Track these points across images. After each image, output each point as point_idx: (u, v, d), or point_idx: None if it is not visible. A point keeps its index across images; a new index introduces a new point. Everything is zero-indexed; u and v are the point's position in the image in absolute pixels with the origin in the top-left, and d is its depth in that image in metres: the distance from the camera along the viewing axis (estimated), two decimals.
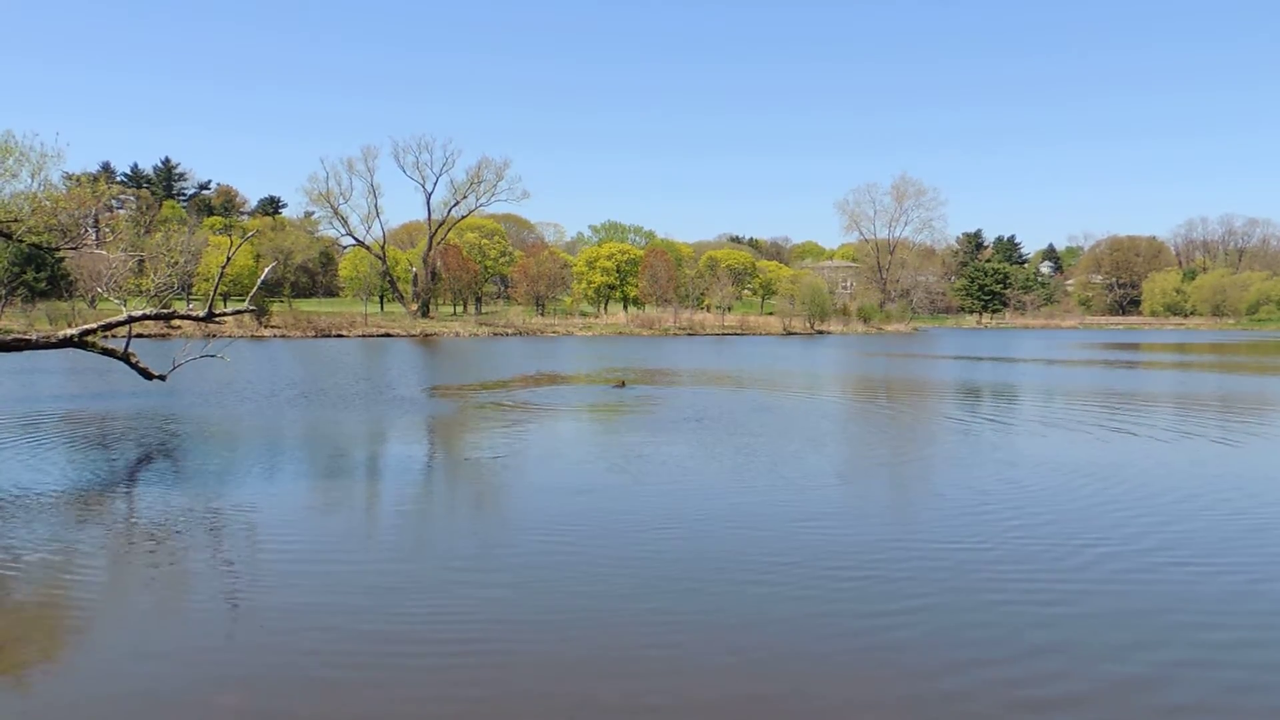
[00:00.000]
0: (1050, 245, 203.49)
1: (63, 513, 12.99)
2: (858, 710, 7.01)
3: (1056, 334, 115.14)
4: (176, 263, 25.81)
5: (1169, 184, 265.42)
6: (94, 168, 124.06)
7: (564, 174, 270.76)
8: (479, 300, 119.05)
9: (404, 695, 7.11)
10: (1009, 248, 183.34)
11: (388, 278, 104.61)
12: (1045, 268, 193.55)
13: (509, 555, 11.02)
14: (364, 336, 79.39)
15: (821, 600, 9.49)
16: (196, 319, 22.20)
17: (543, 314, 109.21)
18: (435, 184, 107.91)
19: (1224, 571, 10.64)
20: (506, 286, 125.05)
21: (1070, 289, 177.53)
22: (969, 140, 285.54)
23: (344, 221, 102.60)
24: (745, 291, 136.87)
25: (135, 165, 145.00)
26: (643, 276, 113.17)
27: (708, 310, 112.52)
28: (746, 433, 21.65)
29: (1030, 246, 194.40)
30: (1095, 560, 11.00)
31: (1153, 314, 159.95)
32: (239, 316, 68.69)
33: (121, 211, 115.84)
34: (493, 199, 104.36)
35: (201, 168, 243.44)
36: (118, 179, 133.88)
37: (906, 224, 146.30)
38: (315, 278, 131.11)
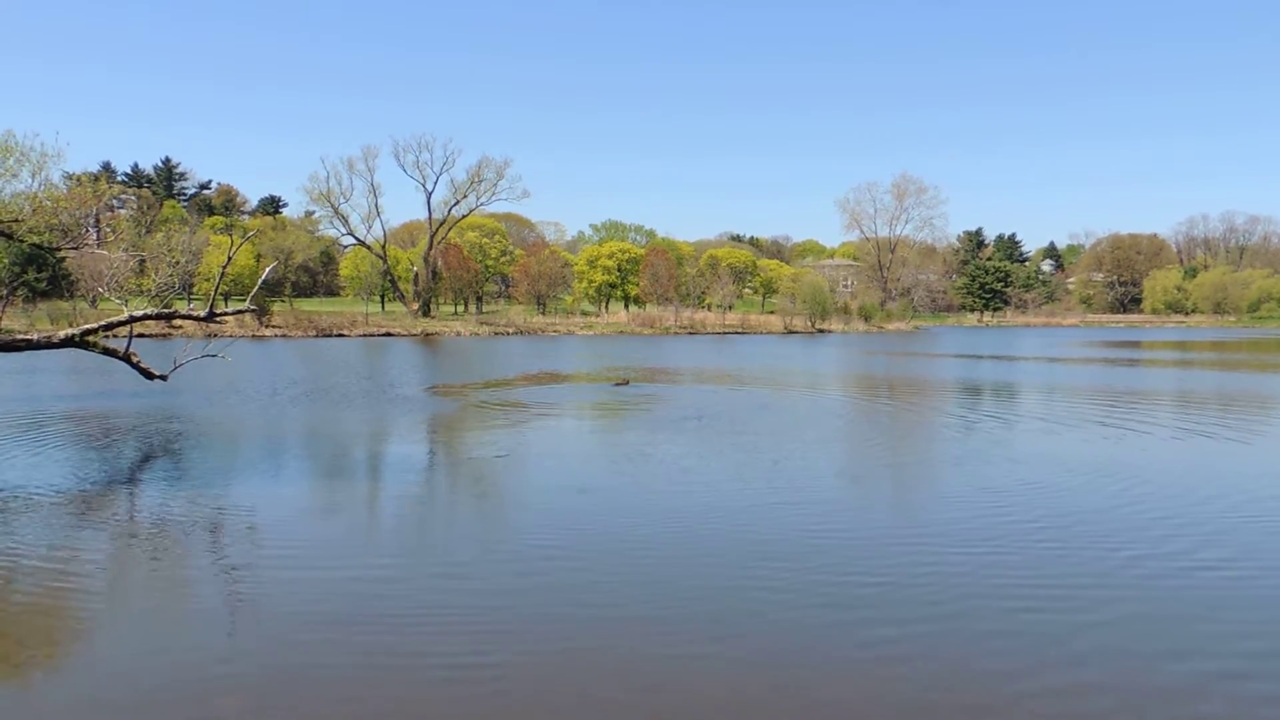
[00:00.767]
0: (1051, 243, 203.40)
1: (65, 513, 12.98)
2: None
3: (1057, 332, 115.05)
4: (177, 262, 25.80)
5: (1170, 182, 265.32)
6: (95, 167, 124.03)
7: (564, 173, 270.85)
8: (480, 299, 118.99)
9: (406, 695, 7.09)
10: (1010, 246, 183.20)
11: (388, 277, 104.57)
12: (1046, 266, 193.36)
13: (511, 555, 11.01)
14: (365, 336, 79.37)
15: (833, 606, 9.37)
16: (198, 319, 22.19)
17: (544, 313, 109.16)
18: (436, 183, 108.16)
19: (1253, 576, 10.37)
20: (507, 286, 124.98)
21: (1071, 287, 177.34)
22: (970, 138, 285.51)
23: (345, 221, 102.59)
24: (746, 290, 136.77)
25: (136, 165, 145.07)
26: (643, 275, 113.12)
27: (709, 309, 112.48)
28: (748, 432, 21.62)
29: (1031, 245, 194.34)
30: (1121, 565, 10.70)
31: (1154, 312, 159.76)
32: (240, 316, 68.70)
33: (122, 211, 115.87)
34: (493, 198, 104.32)
35: (202, 167, 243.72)
36: (118, 179, 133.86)
37: (907, 222, 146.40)
38: (316, 277, 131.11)
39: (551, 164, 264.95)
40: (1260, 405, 29.27)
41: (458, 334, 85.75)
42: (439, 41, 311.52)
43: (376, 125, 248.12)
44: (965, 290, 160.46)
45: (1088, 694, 7.20)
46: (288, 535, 11.92)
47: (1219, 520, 12.99)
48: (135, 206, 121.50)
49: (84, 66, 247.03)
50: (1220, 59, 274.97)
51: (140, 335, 23.00)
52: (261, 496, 14.21)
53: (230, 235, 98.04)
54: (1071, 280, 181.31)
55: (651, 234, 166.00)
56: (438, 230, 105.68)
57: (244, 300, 78.30)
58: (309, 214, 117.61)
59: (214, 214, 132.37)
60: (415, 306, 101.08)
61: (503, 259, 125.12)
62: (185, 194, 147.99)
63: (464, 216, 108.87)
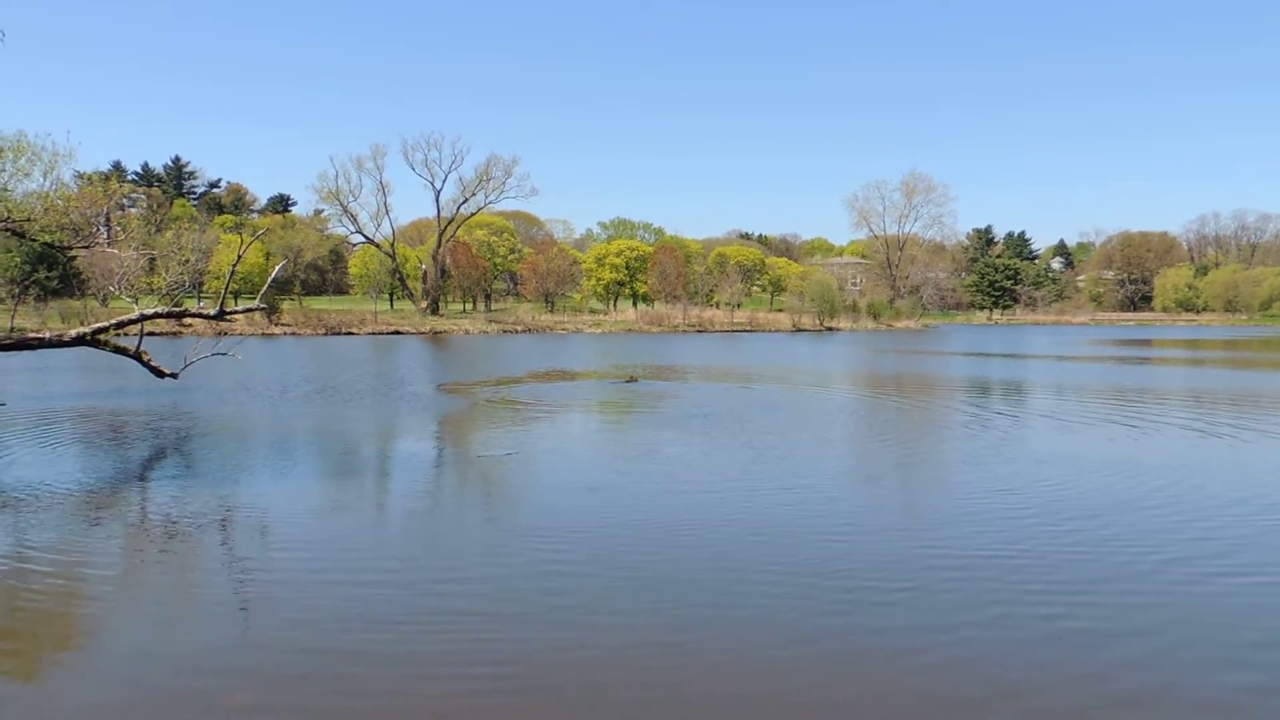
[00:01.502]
0: (1061, 241, 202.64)
1: (76, 510, 13.04)
2: None
3: (1068, 330, 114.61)
4: (187, 261, 25.90)
5: (1181, 179, 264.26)
6: (105, 166, 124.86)
7: (573, 171, 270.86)
8: (488, 297, 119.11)
9: (415, 692, 7.10)
10: (1019, 244, 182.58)
11: (397, 275, 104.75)
12: (1056, 264, 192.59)
13: (520, 553, 11.02)
14: (374, 334, 79.52)
15: (850, 607, 9.32)
16: (208, 317, 22.27)
17: (552, 311, 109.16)
18: (444, 181, 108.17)
19: None
20: (516, 284, 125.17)
21: (1081, 285, 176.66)
22: (979, 136, 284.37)
23: (353, 219, 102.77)
24: (754, 288, 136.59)
25: (146, 164, 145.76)
26: (652, 273, 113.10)
27: (717, 307, 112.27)
28: (758, 430, 21.60)
29: (1041, 242, 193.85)
30: (1153, 569, 10.43)
31: (1164, 310, 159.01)
32: (250, 314, 68.90)
33: (133, 210, 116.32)
34: (501, 196, 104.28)
35: (212, 166, 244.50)
36: (129, 178, 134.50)
37: (916, 220, 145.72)
38: (325, 276, 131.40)
39: (560, 162, 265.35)
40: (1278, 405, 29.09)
41: (466, 332, 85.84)
42: (447, 40, 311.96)
43: (385, 124, 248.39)
44: (974, 288, 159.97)
45: (1131, 706, 6.97)
46: (297, 533, 11.96)
47: (1252, 522, 12.67)
48: (145, 205, 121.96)
49: (95, 65, 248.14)
50: (1231, 56, 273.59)
51: (151, 334, 23.12)
52: (271, 494, 14.25)
53: (240, 234, 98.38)
54: (1081, 278, 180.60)
55: (660, 232, 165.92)
56: (446, 228, 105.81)
57: (253, 298, 78.51)
58: (318, 212, 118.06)
59: (223, 212, 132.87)
60: (424, 305, 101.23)
61: (511, 257, 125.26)
62: (195, 193, 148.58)
63: (472, 215, 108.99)
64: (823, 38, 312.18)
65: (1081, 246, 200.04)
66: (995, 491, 14.72)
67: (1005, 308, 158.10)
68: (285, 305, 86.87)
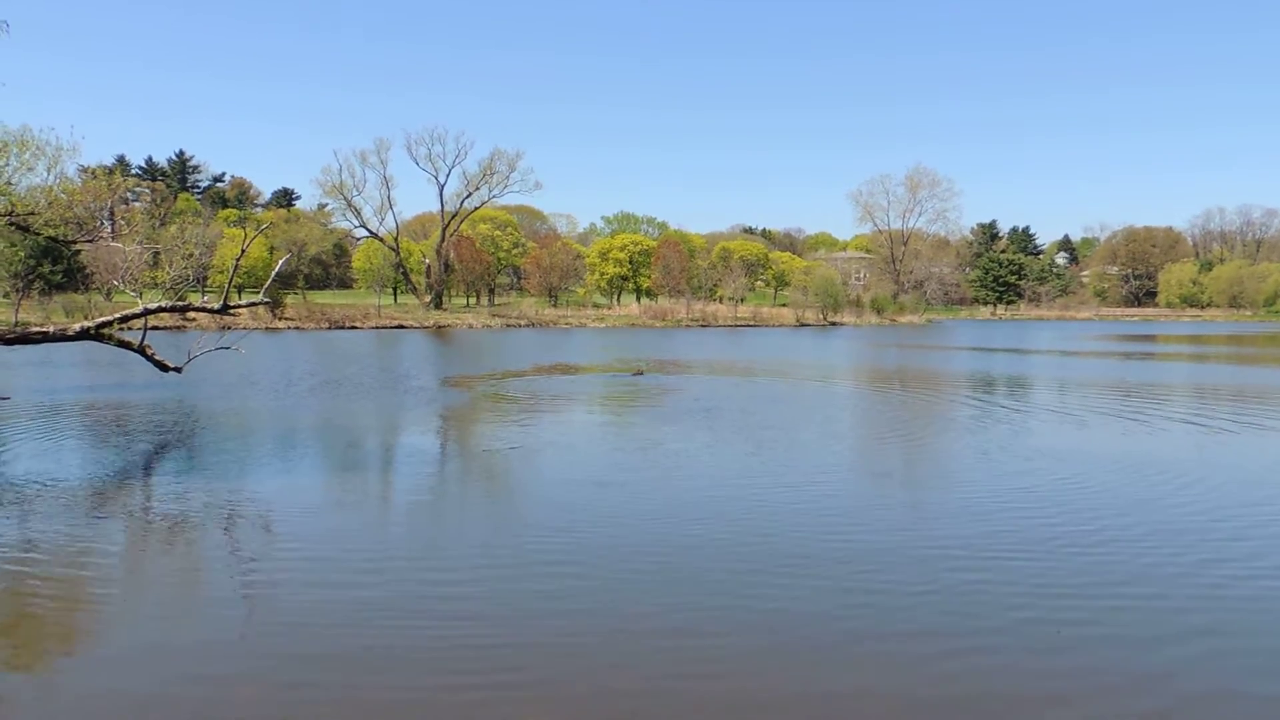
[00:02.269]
0: (1065, 236, 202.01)
1: (80, 504, 13.05)
2: None
3: (1072, 325, 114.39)
4: (191, 255, 25.90)
5: (1186, 174, 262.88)
6: (109, 161, 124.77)
7: (576, 165, 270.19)
8: (492, 292, 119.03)
9: (419, 686, 7.10)
10: (1024, 239, 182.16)
11: (401, 270, 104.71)
12: (1060, 259, 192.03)
13: (526, 548, 11.01)
14: (377, 328, 79.59)
15: (863, 608, 9.29)
16: (212, 311, 22.29)
17: (555, 305, 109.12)
18: (448, 176, 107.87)
19: None
20: (519, 278, 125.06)
21: (1086, 280, 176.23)
22: (983, 131, 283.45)
23: (357, 213, 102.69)
24: (758, 283, 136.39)
25: (150, 158, 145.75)
26: (655, 268, 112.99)
27: (720, 302, 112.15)
28: (764, 425, 21.56)
29: (1045, 237, 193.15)
30: (1186, 571, 10.09)
31: (1169, 305, 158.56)
32: (254, 308, 68.91)
33: (137, 204, 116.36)
34: (505, 190, 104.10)
35: (216, 160, 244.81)
36: (133, 172, 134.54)
37: (920, 215, 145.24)
38: (329, 270, 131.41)
39: (563, 156, 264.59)
40: None
41: (470, 326, 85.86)
42: (451, 34, 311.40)
43: (389, 118, 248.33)
44: (979, 283, 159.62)
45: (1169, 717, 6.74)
46: (301, 528, 11.96)
47: None
48: (149, 199, 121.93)
49: (99, 60, 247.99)
50: (1237, 51, 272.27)
51: (154, 328, 23.15)
52: (275, 489, 14.26)
53: (244, 228, 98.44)
54: (1086, 273, 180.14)
55: (664, 226, 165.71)
56: (450, 222, 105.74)
57: (257, 293, 78.59)
58: (322, 206, 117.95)
59: (228, 207, 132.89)
60: (427, 299, 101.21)
61: (515, 251, 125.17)
62: (199, 187, 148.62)
63: (476, 209, 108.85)
64: (827, 32, 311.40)
65: (1086, 242, 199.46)
66: (1012, 489, 14.56)
67: (1009, 303, 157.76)
68: (289, 299, 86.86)
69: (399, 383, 31.82)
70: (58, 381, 30.36)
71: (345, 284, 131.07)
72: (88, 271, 75.35)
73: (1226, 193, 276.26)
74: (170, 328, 63.26)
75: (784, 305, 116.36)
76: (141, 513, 12.83)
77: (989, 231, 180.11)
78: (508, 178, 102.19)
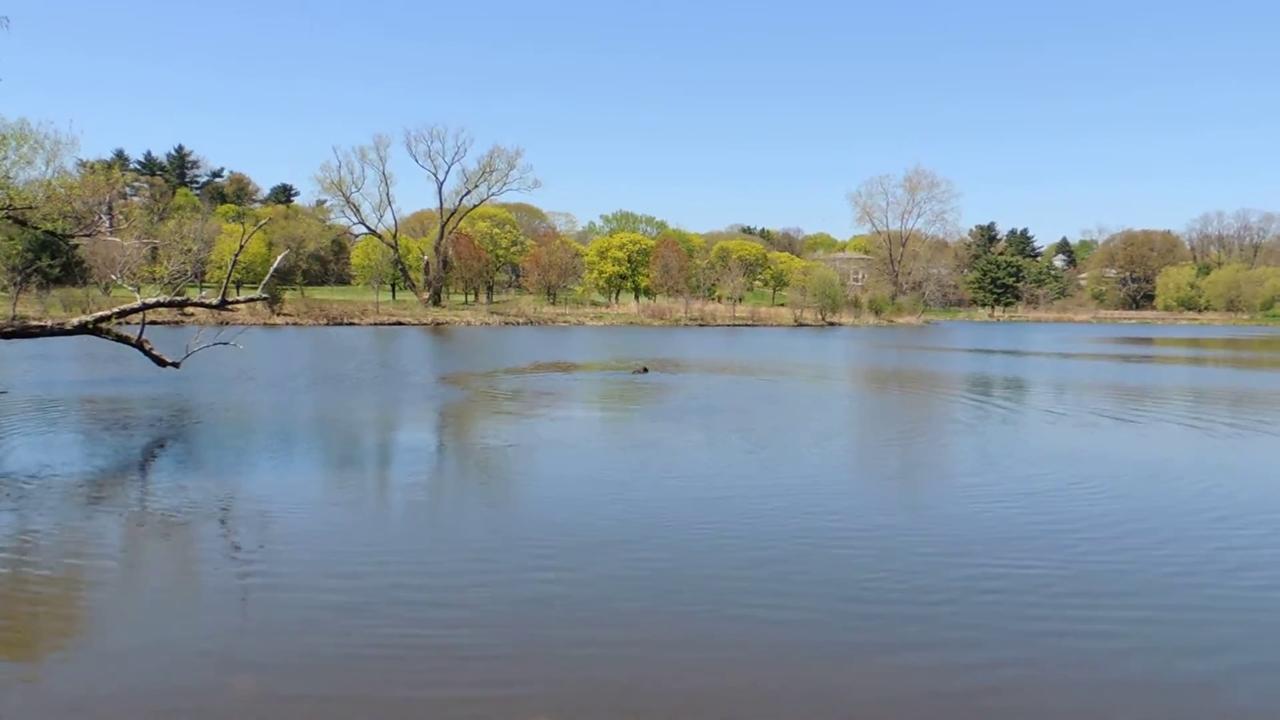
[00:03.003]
0: (1064, 239, 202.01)
1: (77, 498, 13.04)
2: None
3: (1070, 328, 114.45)
4: (190, 250, 25.89)
5: (1184, 178, 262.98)
6: (108, 155, 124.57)
7: (576, 163, 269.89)
8: (490, 289, 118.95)
9: (416, 681, 7.10)
10: (1022, 241, 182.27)
11: (400, 266, 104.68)
12: (1058, 261, 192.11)
13: (522, 543, 11.00)
14: (376, 324, 79.56)
15: (863, 607, 9.34)
16: (210, 306, 22.28)
17: (554, 303, 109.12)
18: (447, 173, 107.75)
19: None
20: (518, 276, 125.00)
21: (1083, 283, 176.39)
22: (983, 133, 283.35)
23: (356, 210, 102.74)
24: (756, 283, 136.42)
25: (149, 153, 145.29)
26: (654, 267, 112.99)
27: (719, 301, 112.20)
28: (764, 424, 21.56)
29: (1043, 240, 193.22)
30: (1214, 579, 9.88)
31: (1166, 309, 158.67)
32: (252, 304, 68.90)
33: (135, 199, 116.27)
34: (504, 188, 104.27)
35: (215, 155, 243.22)
36: (131, 166, 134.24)
37: (919, 216, 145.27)
38: (327, 266, 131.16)
39: (563, 154, 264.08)
40: None
41: (468, 323, 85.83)
42: (451, 31, 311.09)
43: (388, 114, 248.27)
44: (977, 285, 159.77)
45: None
46: (299, 523, 11.95)
47: None
48: (148, 194, 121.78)
49: (98, 54, 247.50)
50: (1237, 54, 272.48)
51: (152, 323, 23.15)
52: (273, 483, 14.25)
53: (242, 223, 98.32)
54: (1084, 276, 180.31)
55: (662, 225, 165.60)
56: (449, 220, 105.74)
57: (256, 288, 78.57)
58: (320, 203, 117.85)
59: (226, 202, 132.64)
60: (426, 296, 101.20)
61: (513, 249, 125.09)
62: (198, 182, 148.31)
63: (475, 206, 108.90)
64: (827, 32, 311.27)
65: (1084, 244, 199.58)
66: (1020, 493, 14.42)
67: (1007, 305, 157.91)
68: (287, 295, 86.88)
69: (397, 379, 31.81)
70: (55, 376, 30.32)
71: (344, 280, 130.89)
72: (86, 266, 75.30)
73: (1225, 197, 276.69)
74: (168, 323, 63.20)
75: (782, 305, 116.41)
76: (139, 507, 12.82)
77: (987, 233, 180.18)
78: (507, 175, 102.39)
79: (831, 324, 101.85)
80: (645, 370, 35.49)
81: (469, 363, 41.04)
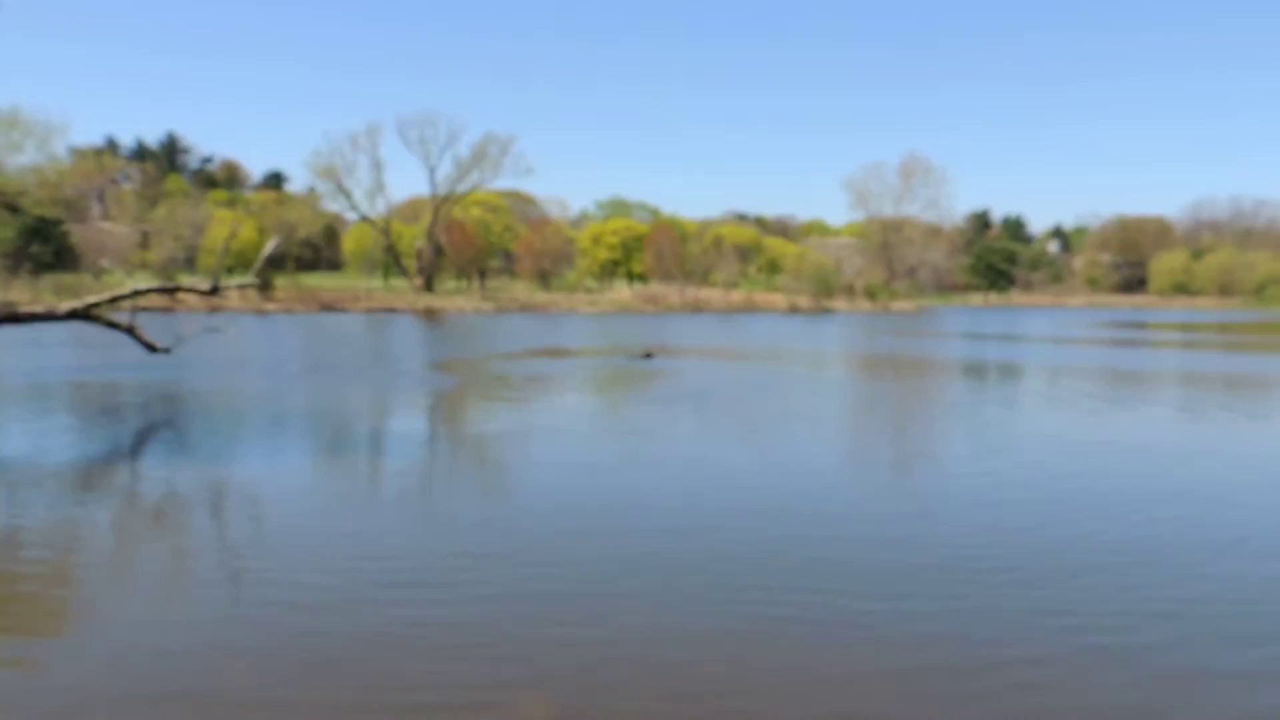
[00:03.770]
0: (1057, 224, 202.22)
1: (68, 485, 12.97)
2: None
3: (1064, 312, 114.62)
4: (181, 236, 25.68)
5: (1177, 163, 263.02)
6: (99, 141, 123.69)
7: (569, 149, 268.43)
8: (483, 275, 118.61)
9: (408, 667, 7.08)
10: (1016, 226, 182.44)
11: (392, 252, 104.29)
12: (1052, 247, 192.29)
13: (515, 530, 10.98)
14: (368, 311, 79.28)
15: (867, 589, 9.35)
16: (201, 292, 22.12)
17: (547, 290, 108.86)
18: (440, 159, 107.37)
19: None
20: (511, 262, 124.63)
21: (1077, 268, 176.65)
22: (977, 118, 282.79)
23: (348, 196, 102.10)
24: (751, 269, 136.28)
25: (140, 139, 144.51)
26: (648, 253, 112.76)
27: (713, 287, 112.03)
28: (760, 410, 21.54)
29: (1037, 225, 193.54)
30: (1244, 568, 9.71)
31: (1159, 293, 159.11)
32: (243, 290, 68.61)
33: (127, 185, 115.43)
34: (497, 174, 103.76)
35: (205, 141, 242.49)
36: (122, 153, 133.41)
37: (913, 202, 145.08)
38: (319, 252, 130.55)
39: (556, 140, 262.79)
40: None
41: (461, 310, 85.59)
42: (445, 17, 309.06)
43: (380, 100, 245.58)
44: (971, 270, 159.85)
45: None
46: (291, 509, 11.91)
47: None
48: (139, 180, 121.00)
49: (89, 40, 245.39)
50: (1229, 40, 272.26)
51: (143, 308, 22.98)
52: (265, 470, 14.19)
53: (234, 210, 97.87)
54: (1078, 261, 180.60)
55: (656, 211, 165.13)
56: (441, 206, 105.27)
57: (247, 274, 78.26)
58: (312, 189, 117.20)
59: (217, 188, 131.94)
60: (418, 282, 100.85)
61: (506, 235, 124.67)
62: (189, 168, 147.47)
63: (468, 193, 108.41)
64: (821, 17, 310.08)
65: (1078, 230, 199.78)
66: (1021, 480, 14.39)
67: (1002, 290, 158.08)
68: (279, 281, 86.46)
69: (390, 366, 31.71)
70: (46, 361, 30.16)
71: (335, 266, 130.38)
72: (77, 251, 74.79)
73: (1218, 182, 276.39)
74: (159, 309, 62.91)
75: (777, 291, 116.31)
76: (130, 494, 12.75)
77: (982, 219, 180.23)
78: (500, 162, 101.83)
79: (826, 310, 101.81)
80: (650, 355, 35.19)
81: (461, 349, 40.93)
